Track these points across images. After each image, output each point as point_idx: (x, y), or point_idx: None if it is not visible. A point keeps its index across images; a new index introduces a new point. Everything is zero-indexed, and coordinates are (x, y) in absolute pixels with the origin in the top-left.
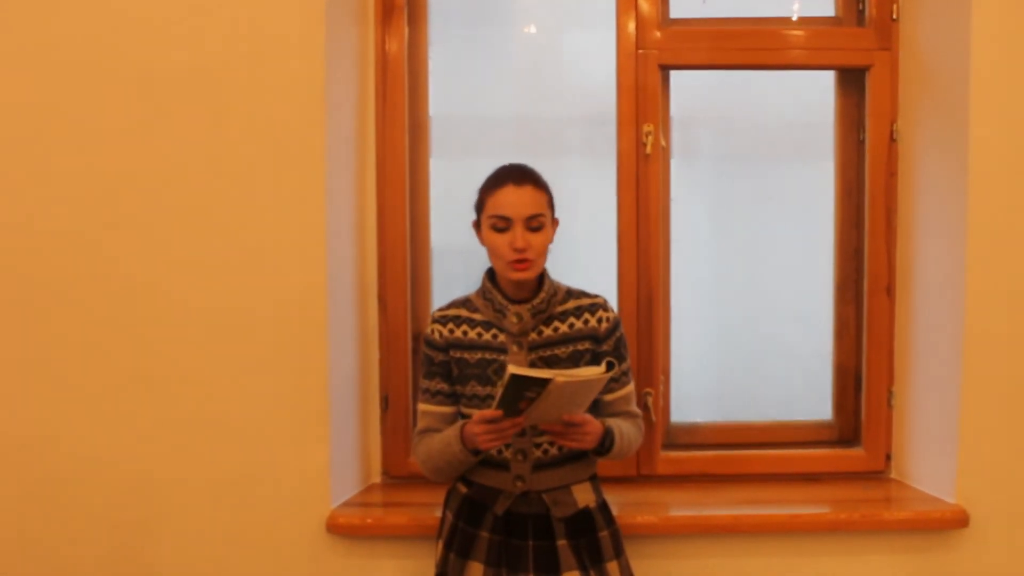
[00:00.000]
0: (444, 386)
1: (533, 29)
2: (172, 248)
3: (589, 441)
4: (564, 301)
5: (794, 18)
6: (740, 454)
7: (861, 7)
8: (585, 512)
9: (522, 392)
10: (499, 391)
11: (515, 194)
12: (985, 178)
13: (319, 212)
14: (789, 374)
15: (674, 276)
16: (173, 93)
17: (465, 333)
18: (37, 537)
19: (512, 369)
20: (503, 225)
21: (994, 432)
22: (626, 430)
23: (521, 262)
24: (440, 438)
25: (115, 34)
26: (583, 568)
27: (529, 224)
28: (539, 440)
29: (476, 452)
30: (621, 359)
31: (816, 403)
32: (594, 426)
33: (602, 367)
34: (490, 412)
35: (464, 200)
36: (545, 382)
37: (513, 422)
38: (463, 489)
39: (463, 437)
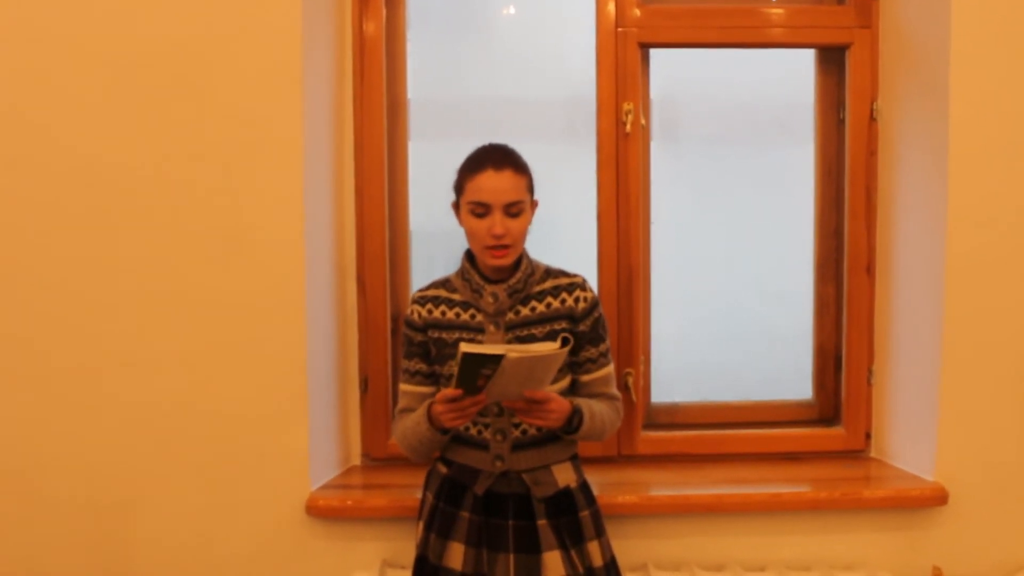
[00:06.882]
0: (423, 366)
1: (512, 9)
2: (149, 230)
3: (554, 419)
4: (542, 280)
5: None
6: (720, 434)
7: None
8: (566, 492)
9: (478, 369)
10: (455, 369)
11: (495, 179)
12: (965, 157)
13: (297, 194)
14: (769, 353)
15: (654, 256)
16: (150, 75)
17: (443, 313)
18: (15, 519)
19: (464, 347)
20: (482, 211)
21: (973, 411)
22: (599, 411)
23: (500, 248)
24: (413, 418)
25: (91, 18)
26: (564, 548)
27: (509, 211)
28: (518, 420)
29: (444, 431)
30: (599, 340)
31: (796, 382)
32: (559, 404)
33: (557, 343)
34: (450, 391)
35: (443, 182)
36: (498, 358)
37: (474, 400)
38: (443, 470)
39: (430, 416)
